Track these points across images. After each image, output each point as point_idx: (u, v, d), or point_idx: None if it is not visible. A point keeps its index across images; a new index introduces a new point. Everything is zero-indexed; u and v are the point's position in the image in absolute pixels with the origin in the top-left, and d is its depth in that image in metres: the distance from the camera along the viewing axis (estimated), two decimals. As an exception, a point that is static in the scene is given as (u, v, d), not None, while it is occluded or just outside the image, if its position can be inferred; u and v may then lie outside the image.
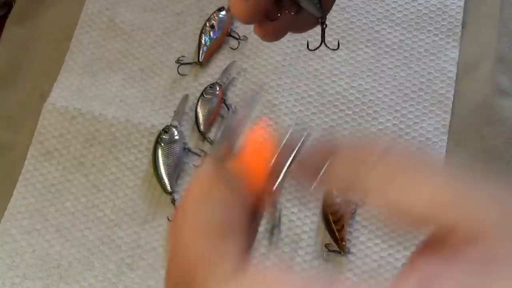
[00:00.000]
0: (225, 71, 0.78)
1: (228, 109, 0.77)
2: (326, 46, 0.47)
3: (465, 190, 0.27)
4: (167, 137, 0.74)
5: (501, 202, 0.27)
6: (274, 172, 0.31)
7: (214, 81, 0.78)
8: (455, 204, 0.26)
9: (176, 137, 0.74)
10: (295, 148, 0.31)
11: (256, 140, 0.31)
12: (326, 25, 0.43)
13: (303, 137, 0.31)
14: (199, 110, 0.76)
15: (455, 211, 0.26)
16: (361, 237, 0.68)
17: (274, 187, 0.31)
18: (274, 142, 0.31)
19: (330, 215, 0.68)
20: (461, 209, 0.26)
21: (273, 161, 0.31)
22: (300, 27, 0.48)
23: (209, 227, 0.30)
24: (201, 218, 0.30)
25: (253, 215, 0.31)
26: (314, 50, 0.50)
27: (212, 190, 0.31)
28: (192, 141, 0.75)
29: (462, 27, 0.79)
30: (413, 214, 0.27)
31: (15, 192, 0.74)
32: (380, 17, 0.80)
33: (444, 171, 0.28)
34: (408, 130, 0.74)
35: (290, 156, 0.31)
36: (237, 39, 0.81)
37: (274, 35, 0.46)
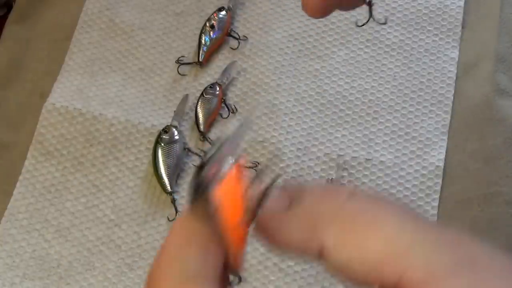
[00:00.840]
0: (225, 71, 0.78)
1: (228, 109, 0.77)
2: (375, 20, 0.50)
3: (413, 239, 0.27)
4: (167, 137, 0.74)
5: (449, 249, 0.27)
6: (247, 211, 0.30)
7: (214, 81, 0.78)
8: (401, 257, 0.27)
9: (176, 137, 0.74)
10: (265, 188, 0.31)
11: (233, 179, 0.30)
12: (373, 3, 0.46)
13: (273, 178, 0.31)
14: (199, 110, 0.76)
15: (401, 263, 0.26)
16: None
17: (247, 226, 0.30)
18: (247, 179, 0.31)
19: None
20: (407, 261, 0.27)
21: (247, 199, 0.31)
22: (348, 4, 0.51)
23: (186, 277, 0.29)
24: (178, 268, 0.29)
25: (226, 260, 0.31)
26: (362, 25, 0.54)
27: (190, 237, 0.30)
28: (192, 141, 0.75)
29: (462, 27, 0.79)
30: (364, 270, 0.27)
31: (15, 192, 0.74)
32: (380, 17, 0.80)
33: (397, 221, 0.28)
34: (408, 130, 0.74)
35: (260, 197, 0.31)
36: (237, 39, 0.81)
37: (322, 11, 0.48)
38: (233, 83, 0.78)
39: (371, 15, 0.47)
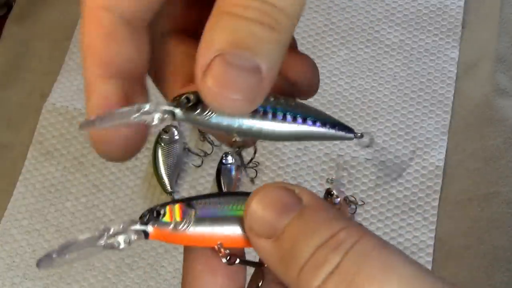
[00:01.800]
0: (225, 71, 0.78)
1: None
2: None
3: None
4: (167, 137, 0.74)
5: None
6: None
7: (214, 81, 0.77)
8: None
9: (176, 137, 0.74)
10: None
11: None
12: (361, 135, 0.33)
13: None
14: (199, 110, 0.76)
15: None
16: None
17: None
18: None
19: None
20: None
21: None
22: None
23: None
24: None
25: None
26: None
27: None
28: (192, 141, 0.75)
29: (462, 27, 0.79)
30: None
31: (15, 192, 0.74)
32: (380, 17, 0.80)
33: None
34: (408, 130, 0.74)
35: None
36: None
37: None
38: (233, 83, 0.78)
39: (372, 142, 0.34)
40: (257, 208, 0.27)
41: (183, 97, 0.28)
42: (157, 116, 0.28)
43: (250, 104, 0.26)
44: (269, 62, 0.26)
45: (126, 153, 0.30)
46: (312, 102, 0.71)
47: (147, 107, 0.28)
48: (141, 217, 0.29)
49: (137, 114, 0.28)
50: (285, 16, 0.26)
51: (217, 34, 0.25)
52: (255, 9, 0.25)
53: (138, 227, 0.29)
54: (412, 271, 0.24)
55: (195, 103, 0.28)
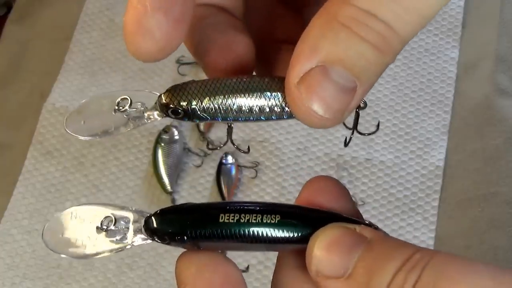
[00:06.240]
0: (225, 71, 0.78)
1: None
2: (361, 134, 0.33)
3: None
4: (167, 137, 0.74)
5: None
6: None
7: (214, 81, 0.78)
8: None
9: (176, 137, 0.74)
10: None
11: None
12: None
13: None
14: (199, 110, 0.76)
15: None
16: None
17: None
18: None
19: None
20: None
21: None
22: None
23: None
24: None
25: None
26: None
27: None
28: (192, 141, 0.75)
29: (462, 27, 0.79)
30: None
31: (15, 192, 0.74)
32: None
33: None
34: (408, 130, 0.74)
35: None
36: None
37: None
38: (233, 83, 0.78)
39: (355, 127, 0.33)
40: (321, 253, 0.26)
41: (170, 111, 0.28)
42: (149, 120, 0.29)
43: (333, 122, 0.25)
44: (366, 85, 0.25)
45: (162, 48, 0.27)
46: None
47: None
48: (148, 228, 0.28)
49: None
50: (398, 38, 0.24)
51: (325, 44, 0.24)
52: (371, 29, 0.24)
53: (144, 236, 0.28)
54: (492, 270, 0.24)
55: (182, 115, 0.28)
